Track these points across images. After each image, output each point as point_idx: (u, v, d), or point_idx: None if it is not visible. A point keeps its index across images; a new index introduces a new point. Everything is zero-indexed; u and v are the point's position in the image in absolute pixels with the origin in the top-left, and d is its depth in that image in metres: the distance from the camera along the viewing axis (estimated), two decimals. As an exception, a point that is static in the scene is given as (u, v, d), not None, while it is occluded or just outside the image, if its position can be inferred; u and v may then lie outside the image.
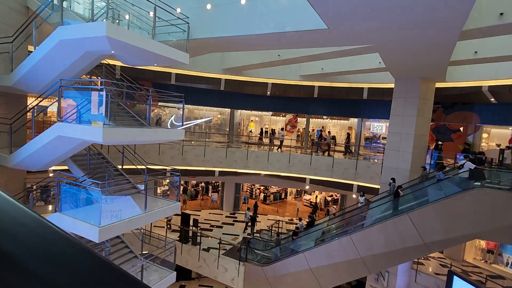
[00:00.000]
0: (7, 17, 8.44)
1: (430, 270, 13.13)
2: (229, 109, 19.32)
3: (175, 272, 8.95)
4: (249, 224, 15.93)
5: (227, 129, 19.88)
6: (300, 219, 15.19)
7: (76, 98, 6.79)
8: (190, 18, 8.14)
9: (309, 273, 10.72)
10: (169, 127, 11.94)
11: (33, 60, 7.06)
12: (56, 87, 6.73)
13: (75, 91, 7.00)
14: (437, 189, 9.39)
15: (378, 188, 13.00)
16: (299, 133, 23.69)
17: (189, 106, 18.98)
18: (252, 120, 21.61)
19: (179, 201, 8.82)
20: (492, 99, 12.53)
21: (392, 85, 12.66)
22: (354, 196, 17.49)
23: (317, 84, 16.44)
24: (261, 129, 20.49)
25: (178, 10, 8.59)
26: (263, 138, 19.27)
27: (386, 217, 9.81)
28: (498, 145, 15.30)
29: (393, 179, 11.63)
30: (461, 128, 15.01)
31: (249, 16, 7.30)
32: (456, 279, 11.56)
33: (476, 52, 9.59)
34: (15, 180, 9.60)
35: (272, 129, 21.46)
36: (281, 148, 16.42)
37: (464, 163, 9.34)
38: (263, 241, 13.59)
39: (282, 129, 17.98)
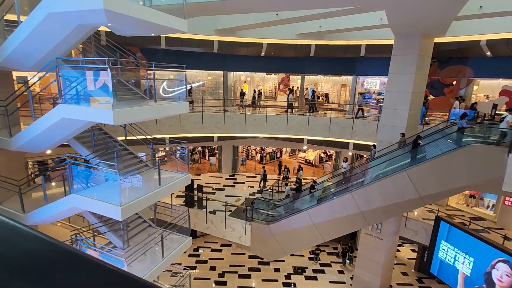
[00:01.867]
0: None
1: (417, 214, 14.37)
2: (222, 72, 18.69)
3: (190, 237, 9.52)
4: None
5: (221, 92, 19.46)
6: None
7: (76, 78, 6.43)
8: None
9: (312, 228, 11.62)
10: (161, 93, 11.62)
11: (19, 36, 6.47)
12: (52, 66, 6.33)
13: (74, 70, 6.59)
14: (434, 146, 9.91)
15: (375, 145, 13.51)
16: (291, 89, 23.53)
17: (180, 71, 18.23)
18: (245, 82, 21.11)
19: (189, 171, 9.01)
20: (488, 53, 12.61)
21: (390, 41, 12.43)
22: (350, 153, 18.20)
23: (313, 42, 15.89)
24: (254, 91, 20.13)
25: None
26: (256, 101, 19.10)
27: (395, 170, 10.29)
28: (487, 97, 15.85)
29: (403, 134, 11.98)
30: (454, 82, 15.27)
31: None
32: (442, 223, 12.84)
33: (481, 7, 9.39)
34: (16, 159, 9.46)
35: (259, 91, 21.06)
36: (293, 112, 16.11)
37: (505, 116, 9.26)
38: (268, 200, 14.30)
39: (290, 91, 17.53)
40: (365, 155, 16.90)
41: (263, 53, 16.61)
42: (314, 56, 16.68)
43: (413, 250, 18.68)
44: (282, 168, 19.32)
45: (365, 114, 15.77)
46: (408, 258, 18.05)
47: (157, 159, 7.49)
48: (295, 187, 15.15)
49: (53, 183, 9.33)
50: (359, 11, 10.04)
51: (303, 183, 15.80)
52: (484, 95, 16.09)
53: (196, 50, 15.92)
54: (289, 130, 15.53)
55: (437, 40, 12.51)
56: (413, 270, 16.73)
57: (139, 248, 8.15)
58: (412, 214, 14.18)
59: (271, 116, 15.60)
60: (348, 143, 15.46)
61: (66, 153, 7.30)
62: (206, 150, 22.90)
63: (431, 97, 15.56)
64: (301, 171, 17.95)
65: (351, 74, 18.06)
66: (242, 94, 18.64)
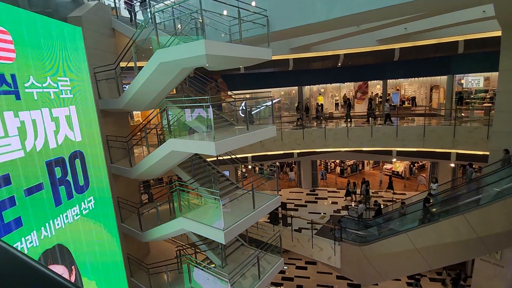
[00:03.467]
0: (100, 43, 9.34)
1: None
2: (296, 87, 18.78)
3: (282, 259, 9.55)
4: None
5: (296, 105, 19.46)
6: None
7: (181, 115, 7.29)
8: (267, 10, 7.81)
9: (414, 253, 10.33)
10: (240, 114, 12.23)
11: (138, 83, 7.72)
12: (163, 107, 7.34)
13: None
14: None
15: (487, 155, 11.43)
16: (371, 98, 22.00)
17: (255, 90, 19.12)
18: (320, 94, 20.71)
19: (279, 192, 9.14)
20: None
21: (495, 33, 10.51)
22: (452, 165, 15.85)
23: (397, 46, 14.63)
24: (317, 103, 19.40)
25: (253, 3, 8.30)
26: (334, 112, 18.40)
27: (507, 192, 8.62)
28: None
29: (507, 150, 10.14)
30: None
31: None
32: None
33: None
34: (132, 183, 11.15)
35: (346, 98, 20.07)
36: (391, 121, 14.80)
37: None
38: (357, 219, 13.43)
39: (387, 100, 16.50)
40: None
41: (339, 64, 16.09)
42: (399, 60, 15.31)
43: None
44: (351, 184, 17.89)
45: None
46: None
47: (251, 183, 7.80)
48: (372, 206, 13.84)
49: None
50: (458, 9, 8.81)
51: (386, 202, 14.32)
52: None
53: (272, 70, 16.44)
54: (375, 142, 14.43)
55: None
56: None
57: (236, 268, 8.55)
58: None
59: (352, 128, 14.81)
60: (450, 153, 13.46)
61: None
62: (285, 164, 23.07)
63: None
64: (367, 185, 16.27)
65: (446, 73, 15.88)
66: (321, 106, 18.12)
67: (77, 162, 6.50)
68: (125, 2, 9.39)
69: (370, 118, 15.16)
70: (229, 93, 13.56)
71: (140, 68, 7.76)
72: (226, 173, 12.07)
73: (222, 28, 7.97)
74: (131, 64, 8.59)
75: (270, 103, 8.75)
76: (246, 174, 22.75)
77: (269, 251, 9.49)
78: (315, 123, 16.88)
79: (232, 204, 8.57)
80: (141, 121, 17.45)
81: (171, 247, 12.08)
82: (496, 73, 15.38)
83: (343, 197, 17.24)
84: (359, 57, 15.58)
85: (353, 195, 16.99)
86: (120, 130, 10.10)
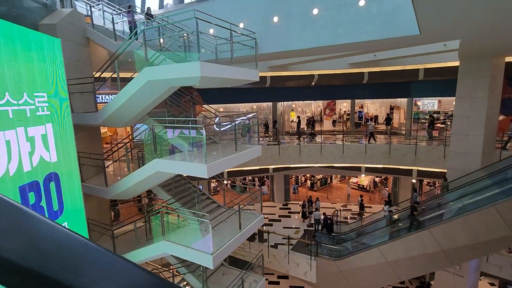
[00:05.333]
0: (74, 53, 8.75)
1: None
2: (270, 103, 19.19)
3: (264, 278, 9.50)
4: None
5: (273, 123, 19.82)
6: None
7: (166, 134, 7.05)
8: (256, 32, 7.97)
9: (385, 266, 10.94)
10: (216, 128, 12.16)
11: (121, 99, 7.33)
12: (149, 126, 7.03)
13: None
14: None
15: (445, 172, 12.64)
16: (335, 117, 23.18)
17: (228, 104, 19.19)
18: (292, 109, 21.38)
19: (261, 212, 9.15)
20: None
21: (451, 64, 11.91)
22: (414, 181, 17.23)
23: (367, 70, 15.80)
24: (298, 117, 19.96)
25: (241, 25, 8.43)
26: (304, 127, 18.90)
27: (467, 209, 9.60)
28: None
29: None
30: (529, 99, 14.00)
31: (328, 27, 7.01)
32: (536, 259, 11.33)
33: None
34: (104, 202, 10.38)
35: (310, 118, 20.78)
36: (375, 140, 15.30)
37: None
38: (331, 234, 13.86)
39: (371, 119, 17.06)
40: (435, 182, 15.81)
41: (313, 83, 16.84)
42: (367, 83, 16.51)
43: (492, 284, 16.60)
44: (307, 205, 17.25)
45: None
46: (489, 294, 16.06)
47: (238, 205, 7.72)
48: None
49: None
50: (424, 42, 9.84)
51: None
52: None
53: (248, 86, 16.63)
54: (346, 159, 15.21)
55: (508, 59, 11.71)
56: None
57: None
58: (495, 247, 12.75)
59: (326, 146, 15.47)
60: (411, 170, 14.66)
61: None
62: (256, 179, 23.15)
63: (502, 117, 14.35)
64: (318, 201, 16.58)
65: (407, 96, 17.48)
66: (299, 122, 18.43)
67: (52, 185, 5.95)
68: (129, 17, 8.92)
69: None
70: (206, 106, 13.43)
71: (123, 80, 7.40)
72: (200, 187, 11.80)
73: (208, 47, 7.95)
74: (105, 74, 8.16)
75: (256, 121, 8.83)
76: (218, 188, 22.40)
77: (249, 270, 9.38)
78: (289, 139, 17.31)
79: (217, 225, 8.38)
80: (109, 134, 16.44)
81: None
82: (448, 98, 17.27)
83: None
84: (332, 78, 16.50)
85: (310, 215, 16.68)
86: (92, 146, 9.41)
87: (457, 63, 11.59)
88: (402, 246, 10.51)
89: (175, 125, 7.31)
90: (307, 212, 16.45)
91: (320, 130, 18.44)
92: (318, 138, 16.88)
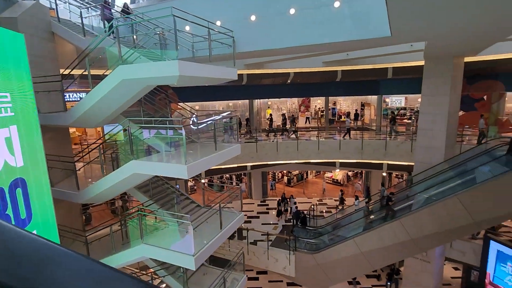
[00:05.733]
0: (38, 49, 8.19)
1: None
2: (247, 100, 19.22)
3: (245, 276, 9.57)
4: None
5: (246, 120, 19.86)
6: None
7: (147, 134, 6.84)
8: (234, 31, 7.94)
9: (360, 256, 11.47)
10: (193, 127, 12.01)
11: (93, 98, 6.98)
12: (124, 126, 6.77)
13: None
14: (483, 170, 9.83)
15: (412, 166, 13.44)
16: (309, 114, 23.74)
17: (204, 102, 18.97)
18: (269, 107, 21.56)
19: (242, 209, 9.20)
20: (521, 68, 12.69)
21: (418, 63, 12.65)
22: (384, 174, 18.12)
23: (340, 68, 16.32)
24: (283, 115, 20.23)
25: (218, 23, 8.34)
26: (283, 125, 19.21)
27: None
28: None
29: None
30: (485, 97, 15.23)
31: (305, 27, 7.13)
32: (492, 243, 12.44)
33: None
34: (74, 206, 9.86)
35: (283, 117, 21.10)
36: (349, 136, 15.91)
37: None
38: (309, 228, 14.25)
39: (348, 115, 17.59)
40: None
41: (289, 81, 17.09)
42: (341, 80, 17.06)
43: (456, 268, 18.00)
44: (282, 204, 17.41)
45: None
46: (452, 277, 17.38)
47: (219, 205, 7.70)
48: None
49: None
50: (393, 43, 10.36)
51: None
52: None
53: (224, 84, 16.48)
54: (321, 155, 15.66)
55: (468, 58, 12.65)
56: (460, 291, 16.09)
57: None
58: (457, 233, 13.83)
59: (302, 142, 15.81)
60: (382, 164, 15.44)
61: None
62: (234, 176, 23.15)
63: (461, 112, 15.52)
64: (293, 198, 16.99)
65: (377, 94, 18.31)
66: (271, 119, 18.76)
67: (18, 192, 5.59)
68: (104, 9, 8.38)
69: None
70: (182, 105, 13.15)
71: (95, 77, 7.04)
72: (177, 186, 11.60)
73: (185, 44, 7.78)
74: (74, 72, 7.72)
75: (235, 120, 8.81)
76: (195, 187, 22.11)
77: (230, 268, 9.42)
78: (266, 136, 17.45)
79: (201, 227, 8.30)
80: (78, 134, 15.58)
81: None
82: (413, 95, 18.27)
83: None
84: (307, 76, 16.84)
85: (285, 213, 16.97)
86: (61, 148, 8.87)
87: (422, 63, 12.32)
88: (375, 236, 11.07)
89: (153, 125, 7.10)
90: (282, 210, 16.68)
91: (296, 127, 18.79)
92: (294, 135, 17.21)
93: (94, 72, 7.45)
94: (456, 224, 9.81)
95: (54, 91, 7.79)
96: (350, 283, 16.84)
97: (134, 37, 7.94)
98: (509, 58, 12.53)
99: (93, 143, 8.65)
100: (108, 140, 8.32)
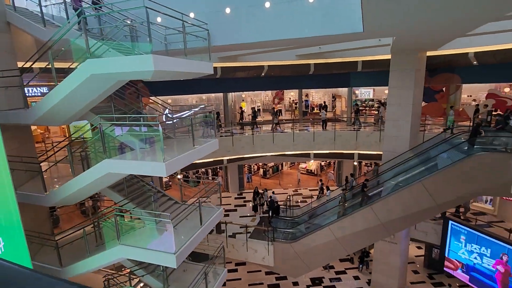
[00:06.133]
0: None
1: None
2: (221, 93, 19.01)
3: (226, 269, 9.67)
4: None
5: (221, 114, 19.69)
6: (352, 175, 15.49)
7: (121, 131, 6.57)
8: (208, 24, 7.77)
9: (335, 243, 12.04)
10: (164, 120, 11.71)
11: (58, 95, 6.53)
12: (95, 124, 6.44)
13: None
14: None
15: (381, 155, 14.22)
16: (280, 106, 24.09)
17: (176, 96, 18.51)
18: (243, 100, 21.49)
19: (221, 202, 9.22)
20: (475, 62, 13.75)
21: (385, 57, 13.27)
22: (355, 163, 18.96)
23: (312, 62, 16.62)
24: (252, 109, 20.35)
25: (192, 15, 8.10)
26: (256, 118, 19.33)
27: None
28: (474, 100, 17.12)
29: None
30: (444, 89, 16.39)
31: (279, 21, 7.16)
32: (451, 222, 13.66)
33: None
34: (41, 210, 9.27)
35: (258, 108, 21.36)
36: (325, 128, 16.33)
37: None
38: (286, 218, 14.60)
39: (323, 107, 18.01)
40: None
41: (263, 74, 17.12)
42: (314, 73, 17.41)
43: (419, 247, 19.50)
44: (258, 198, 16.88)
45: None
46: (416, 256, 18.84)
47: (199, 201, 7.64)
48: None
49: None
50: (363, 38, 10.75)
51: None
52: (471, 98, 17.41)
53: (198, 78, 16.14)
54: (296, 147, 16.00)
55: (429, 53, 13.49)
56: (423, 267, 17.50)
57: (182, 288, 8.24)
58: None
59: (277, 135, 16.02)
60: (353, 154, 16.14)
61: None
62: (209, 171, 22.96)
63: (423, 103, 16.60)
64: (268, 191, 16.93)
65: (347, 86, 18.96)
66: (242, 112, 18.87)
67: (-21, 197, 5.18)
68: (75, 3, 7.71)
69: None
70: (153, 98, 12.71)
71: (59, 71, 6.57)
72: (151, 183, 11.31)
73: (157, 37, 7.49)
74: (35, 65, 7.17)
75: (212, 115, 8.71)
76: (170, 183, 21.64)
77: (211, 263, 9.46)
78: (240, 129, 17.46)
79: (181, 224, 8.19)
80: (40, 132, 14.51)
81: (95, 276, 10.53)
82: (381, 87, 19.13)
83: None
84: (281, 69, 16.98)
85: (261, 207, 16.73)
86: (23, 148, 8.25)
87: (389, 57, 12.95)
88: (349, 223, 11.66)
89: (127, 122, 6.81)
90: (258, 204, 16.74)
91: (279, 119, 18.94)
92: (268, 127, 17.37)
93: (58, 65, 6.95)
94: (421, 207, 10.62)
95: (12, 87, 7.18)
96: (324, 268, 17.67)
97: (102, 29, 7.49)
98: (465, 52, 13.56)
99: (60, 142, 8.12)
100: (76, 139, 7.87)
